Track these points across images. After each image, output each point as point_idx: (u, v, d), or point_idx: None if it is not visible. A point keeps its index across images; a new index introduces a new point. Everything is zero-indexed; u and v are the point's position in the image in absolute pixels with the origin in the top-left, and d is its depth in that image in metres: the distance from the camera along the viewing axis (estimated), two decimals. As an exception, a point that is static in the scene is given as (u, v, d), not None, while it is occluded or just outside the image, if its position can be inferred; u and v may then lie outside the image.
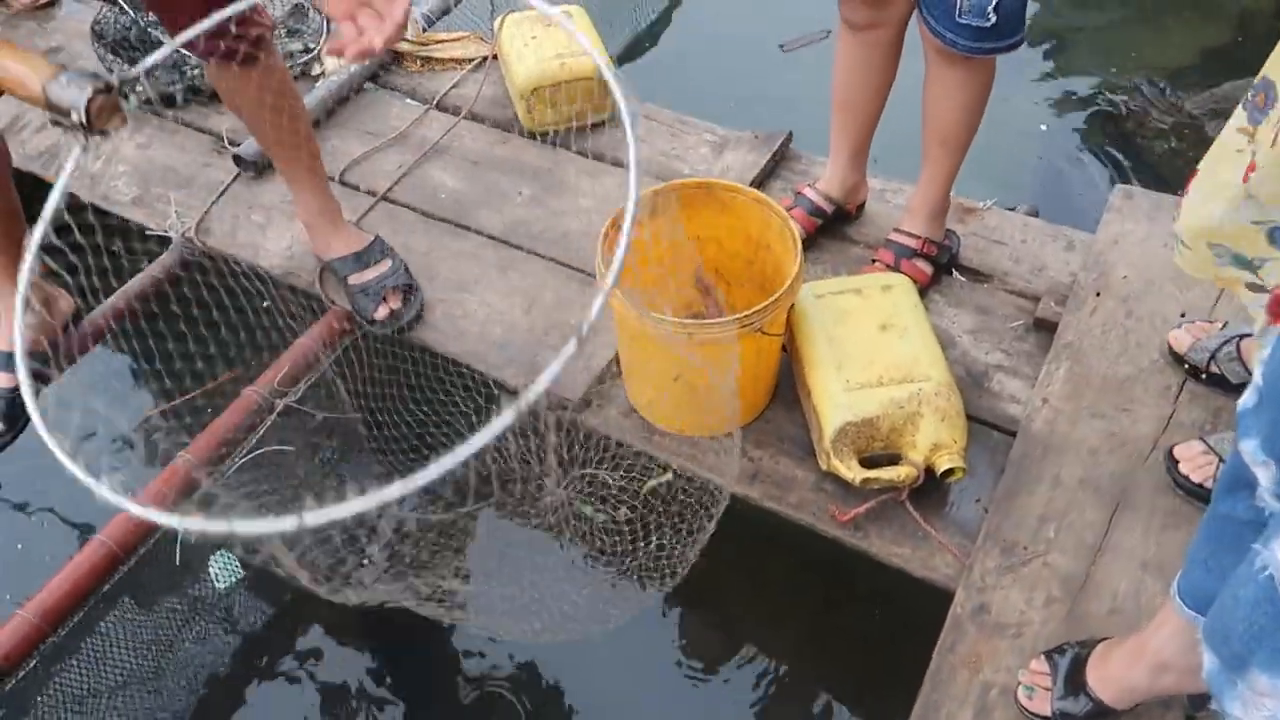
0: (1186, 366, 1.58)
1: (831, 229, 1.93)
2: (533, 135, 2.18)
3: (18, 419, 1.72)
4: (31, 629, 1.48)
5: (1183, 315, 1.66)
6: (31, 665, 1.50)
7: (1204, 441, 1.44)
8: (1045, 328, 1.71)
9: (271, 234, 2.01)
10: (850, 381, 1.50)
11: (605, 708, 1.71)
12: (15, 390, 1.72)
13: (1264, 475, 0.86)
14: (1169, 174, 2.47)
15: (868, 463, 1.50)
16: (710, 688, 1.71)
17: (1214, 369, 1.55)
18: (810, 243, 1.90)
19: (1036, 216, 1.98)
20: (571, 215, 2.00)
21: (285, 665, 1.78)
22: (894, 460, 1.50)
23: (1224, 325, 1.59)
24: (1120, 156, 2.60)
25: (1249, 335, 1.52)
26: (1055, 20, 3.04)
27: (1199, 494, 1.42)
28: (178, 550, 1.62)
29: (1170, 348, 1.61)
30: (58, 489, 2.02)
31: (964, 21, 1.47)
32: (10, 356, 1.74)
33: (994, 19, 1.45)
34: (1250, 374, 1.39)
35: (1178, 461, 1.45)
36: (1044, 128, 2.72)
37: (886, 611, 1.71)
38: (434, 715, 1.73)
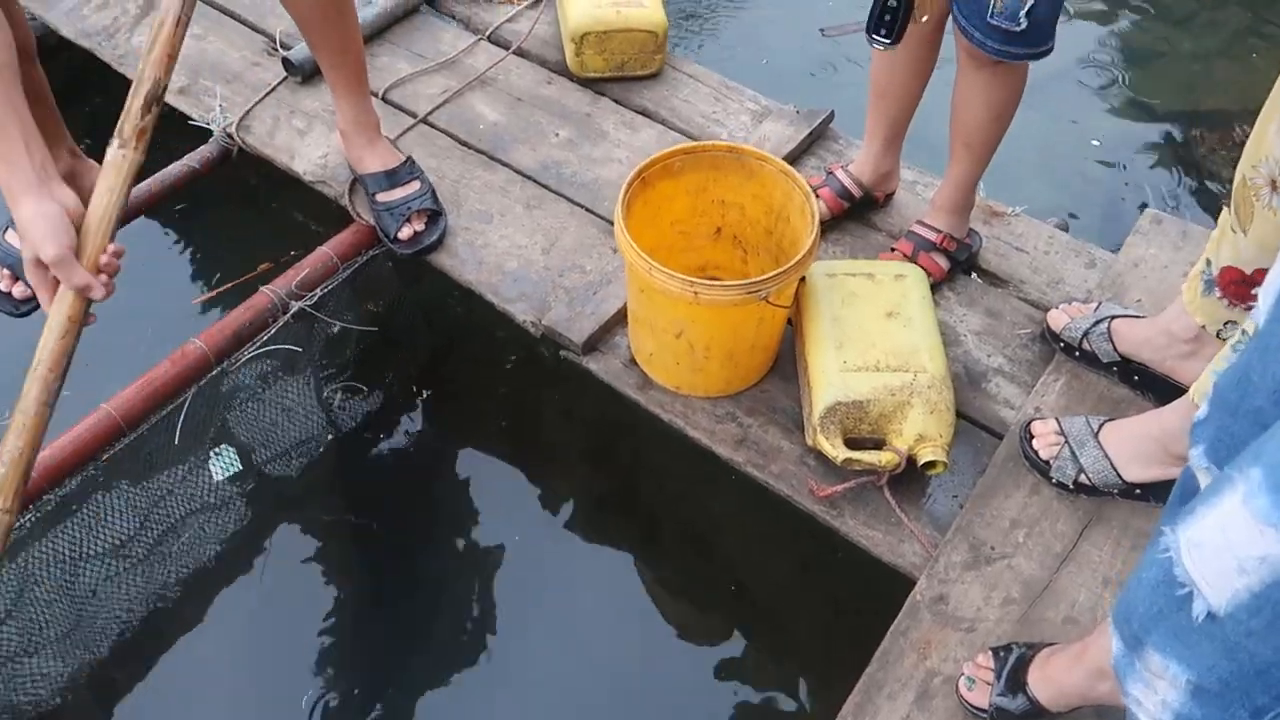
0: (1061, 345, 1.67)
1: (857, 213, 1.93)
2: (578, 80, 2.19)
3: (44, 284, 1.77)
4: (51, 472, 1.54)
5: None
6: (25, 520, 1.57)
7: (1058, 423, 1.53)
8: (1051, 339, 1.72)
9: (309, 141, 2.04)
10: (847, 362, 1.52)
11: (564, 635, 1.75)
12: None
13: (1204, 480, 0.88)
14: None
15: (853, 444, 1.52)
16: (671, 635, 1.76)
17: (1086, 346, 1.64)
18: (834, 224, 1.91)
19: (1065, 231, 1.98)
20: (604, 164, 2.02)
21: (271, 560, 1.83)
22: (879, 445, 1.53)
23: (1097, 307, 1.68)
24: (1177, 184, 2.58)
25: (1120, 316, 1.63)
26: (1142, 38, 2.99)
27: (1042, 468, 1.51)
28: (177, 432, 1.67)
29: (1048, 326, 1.70)
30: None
31: (994, 23, 1.46)
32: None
33: (1025, 24, 1.44)
34: (1118, 354, 1.59)
35: (1033, 436, 1.54)
36: (1096, 143, 2.69)
37: (858, 583, 1.73)
38: (405, 636, 1.79)
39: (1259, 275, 1.33)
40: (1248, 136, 1.28)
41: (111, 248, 1.27)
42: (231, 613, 1.75)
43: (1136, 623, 0.82)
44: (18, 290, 1.76)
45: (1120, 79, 2.87)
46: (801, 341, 1.62)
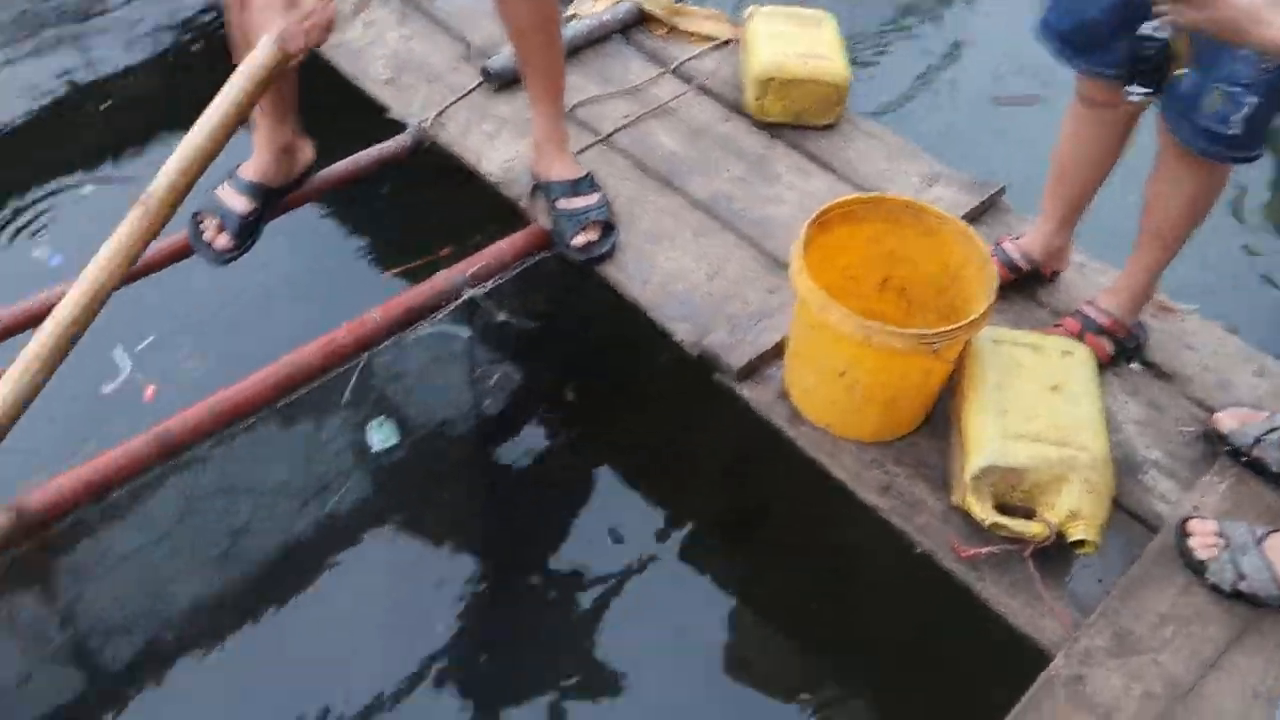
0: (1227, 448, 1.63)
1: (1021, 287, 1.93)
2: (755, 123, 2.25)
3: (247, 239, 1.90)
4: (210, 420, 1.65)
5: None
6: (207, 445, 1.67)
7: (1218, 524, 1.49)
8: (1216, 441, 1.67)
9: (497, 144, 2.14)
10: (1008, 429, 1.51)
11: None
12: (250, 214, 1.91)
13: None
14: None
15: (1001, 510, 1.51)
16: (781, 665, 1.75)
17: (1255, 454, 1.59)
18: (998, 295, 1.90)
19: (1236, 334, 1.94)
20: (773, 203, 2.06)
21: (404, 529, 1.89)
22: (1028, 515, 1.51)
23: (1270, 415, 1.63)
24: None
25: None
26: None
27: (1196, 568, 1.48)
28: (348, 390, 1.76)
29: (1214, 427, 1.66)
30: (253, 315, 2.21)
31: (1204, 125, 1.44)
32: (254, 185, 1.95)
33: (1238, 130, 1.41)
34: None
35: (1190, 534, 1.49)
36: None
37: (983, 646, 1.68)
38: (515, 627, 1.82)
39: None
40: None
41: None
42: (366, 567, 1.82)
43: None
44: (220, 241, 1.89)
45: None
46: (960, 402, 1.62)
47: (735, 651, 1.78)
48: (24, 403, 1.41)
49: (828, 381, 1.60)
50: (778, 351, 1.77)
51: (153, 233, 1.42)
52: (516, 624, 1.78)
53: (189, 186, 1.43)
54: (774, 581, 1.90)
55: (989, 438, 1.50)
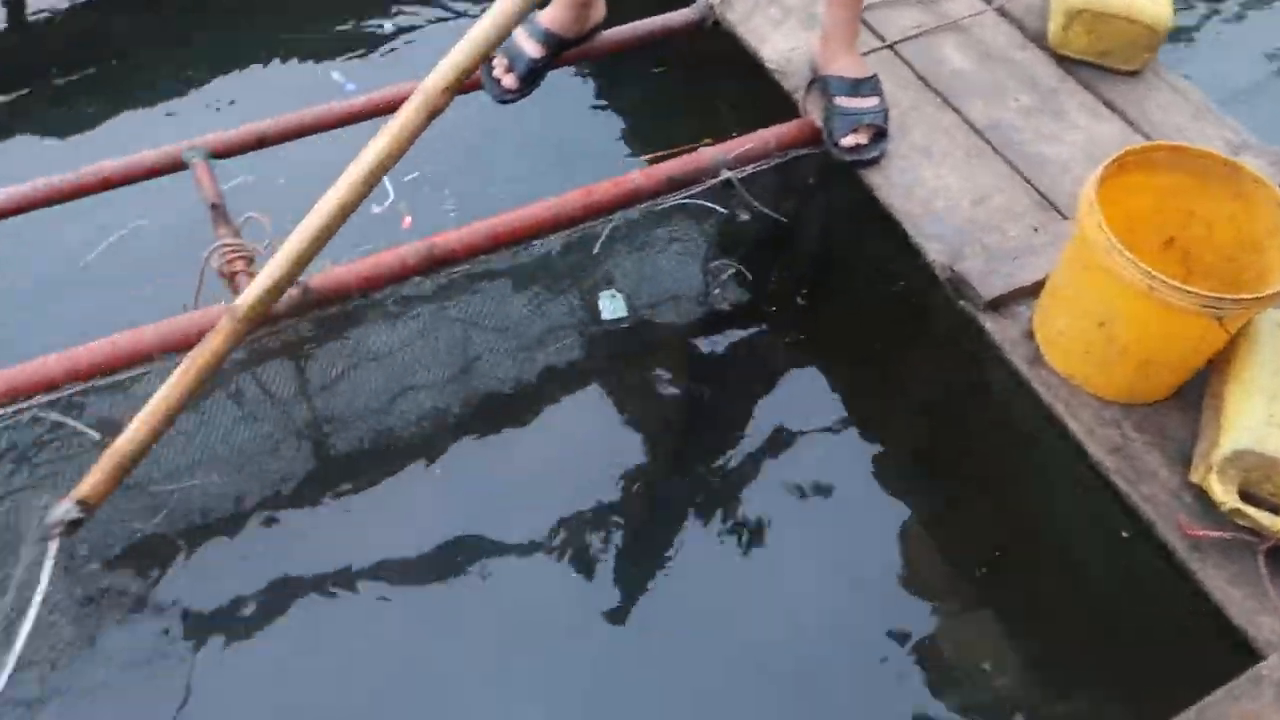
0: None
1: (1316, 279, 1.76)
2: (1053, 55, 2.12)
3: (533, 83, 1.99)
4: (470, 245, 1.78)
5: None
6: (469, 265, 1.81)
7: None
8: None
9: (781, 32, 2.13)
10: (1276, 416, 1.42)
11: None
12: (539, 60, 2.00)
13: None
14: None
15: (1244, 498, 1.43)
16: (941, 639, 1.73)
17: None
18: (1286, 281, 1.75)
19: None
20: (1055, 142, 1.96)
21: (601, 397, 1.97)
22: (1273, 510, 1.42)
23: None
24: None
25: None
26: None
27: None
28: (598, 245, 1.84)
29: None
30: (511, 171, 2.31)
31: None
32: (548, 33, 2.02)
33: None
34: None
35: None
36: None
37: (1163, 633, 1.64)
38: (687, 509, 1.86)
39: None
40: None
41: None
42: (569, 421, 1.94)
43: None
44: (507, 80, 1.99)
45: None
46: (1223, 379, 1.52)
47: (903, 581, 1.78)
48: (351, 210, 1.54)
49: (1085, 329, 1.54)
50: (1032, 291, 1.71)
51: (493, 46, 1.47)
52: (686, 506, 1.83)
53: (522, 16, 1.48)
54: (960, 524, 1.87)
55: (1254, 422, 1.41)
